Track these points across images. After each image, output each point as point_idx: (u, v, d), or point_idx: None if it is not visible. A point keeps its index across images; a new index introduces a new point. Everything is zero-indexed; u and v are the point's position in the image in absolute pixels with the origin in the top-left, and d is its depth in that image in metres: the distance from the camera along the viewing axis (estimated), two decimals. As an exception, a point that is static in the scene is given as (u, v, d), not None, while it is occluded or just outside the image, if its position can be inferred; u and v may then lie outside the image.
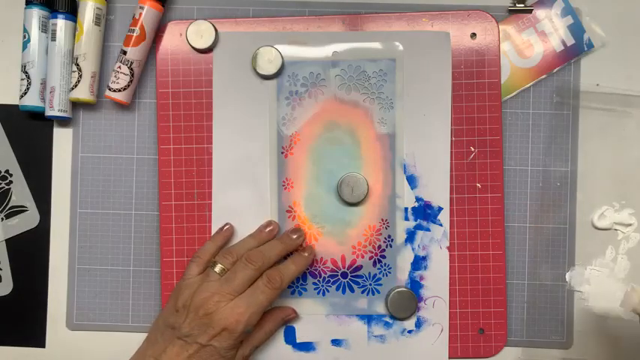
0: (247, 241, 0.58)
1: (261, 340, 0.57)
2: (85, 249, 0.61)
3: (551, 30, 0.60)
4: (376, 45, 0.60)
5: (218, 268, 0.55)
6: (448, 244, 0.59)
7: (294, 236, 0.58)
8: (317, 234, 0.60)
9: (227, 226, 0.59)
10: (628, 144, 0.61)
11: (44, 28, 0.59)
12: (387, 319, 0.59)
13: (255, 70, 0.59)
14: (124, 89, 0.59)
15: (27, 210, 0.62)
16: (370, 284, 0.60)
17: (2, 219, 0.62)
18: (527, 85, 0.60)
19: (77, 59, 0.58)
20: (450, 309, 0.60)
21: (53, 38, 0.58)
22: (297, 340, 0.59)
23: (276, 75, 0.60)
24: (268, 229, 0.59)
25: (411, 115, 0.59)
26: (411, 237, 0.59)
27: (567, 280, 0.60)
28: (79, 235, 0.61)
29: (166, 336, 0.54)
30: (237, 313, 0.53)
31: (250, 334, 0.56)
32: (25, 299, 0.62)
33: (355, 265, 0.60)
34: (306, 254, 0.58)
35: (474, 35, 0.60)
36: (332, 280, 0.60)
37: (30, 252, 0.62)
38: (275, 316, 0.58)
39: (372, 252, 0.60)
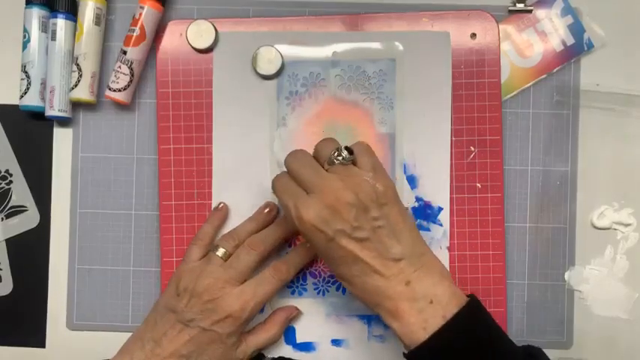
0: (247, 224, 0.58)
1: (266, 343, 0.57)
2: (85, 249, 0.61)
3: (551, 30, 0.60)
4: (376, 45, 0.60)
5: (220, 252, 0.55)
6: (448, 244, 0.59)
7: None
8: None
9: (221, 205, 0.59)
10: (628, 143, 0.61)
11: (44, 28, 0.59)
12: (387, 319, 0.59)
13: (255, 70, 0.59)
14: (124, 89, 0.59)
15: (27, 210, 0.62)
16: (370, 284, 0.59)
17: (2, 219, 0.62)
18: (527, 85, 0.60)
19: (77, 59, 0.58)
20: (450, 309, 0.59)
21: (53, 38, 0.58)
22: (297, 341, 0.59)
23: (276, 75, 0.60)
24: (267, 210, 0.59)
25: (411, 115, 0.59)
26: (411, 237, 0.59)
27: (566, 279, 0.60)
28: (79, 235, 0.61)
29: (166, 319, 0.54)
30: (243, 301, 0.53)
31: (255, 334, 0.57)
32: (25, 299, 0.62)
33: (355, 265, 0.60)
34: (309, 245, 0.58)
35: (474, 35, 0.60)
36: (332, 280, 0.60)
37: (30, 252, 0.62)
38: (279, 317, 0.58)
39: (372, 252, 0.60)
